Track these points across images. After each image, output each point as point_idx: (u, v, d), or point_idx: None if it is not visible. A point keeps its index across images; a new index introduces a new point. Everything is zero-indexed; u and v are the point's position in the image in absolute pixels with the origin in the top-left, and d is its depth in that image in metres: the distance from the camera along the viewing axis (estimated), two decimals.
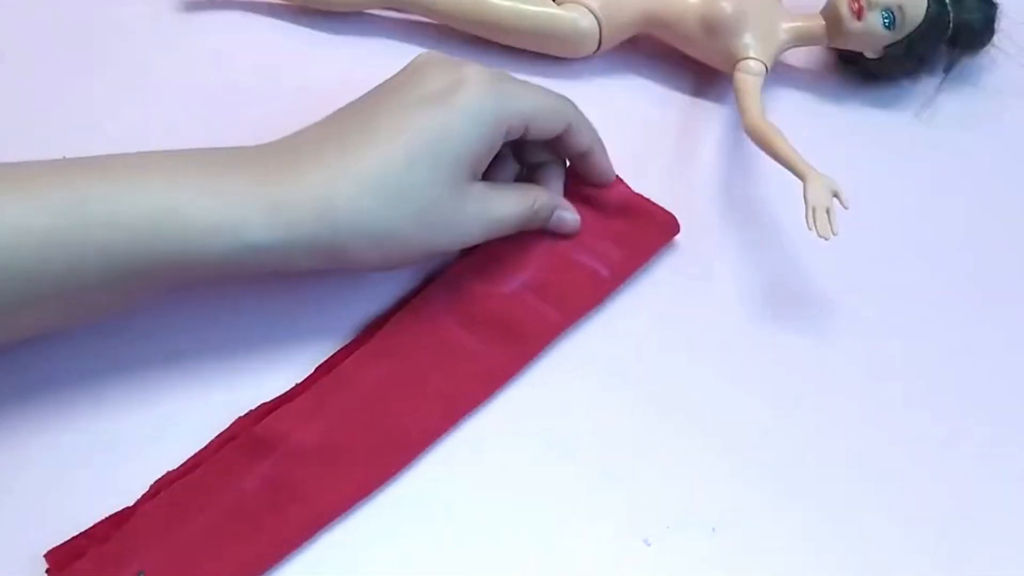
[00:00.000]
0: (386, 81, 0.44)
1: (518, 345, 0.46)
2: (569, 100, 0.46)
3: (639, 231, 0.49)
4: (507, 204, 0.44)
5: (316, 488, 0.42)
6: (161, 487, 0.42)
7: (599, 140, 0.47)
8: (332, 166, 0.41)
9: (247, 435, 0.43)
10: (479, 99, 0.42)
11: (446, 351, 0.45)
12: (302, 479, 0.42)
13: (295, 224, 0.40)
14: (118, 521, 0.41)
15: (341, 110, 0.44)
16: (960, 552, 0.43)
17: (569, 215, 0.47)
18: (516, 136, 0.44)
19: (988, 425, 0.46)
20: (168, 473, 0.42)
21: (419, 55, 0.45)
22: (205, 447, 0.43)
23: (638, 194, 0.49)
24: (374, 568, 0.41)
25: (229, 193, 0.39)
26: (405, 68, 0.44)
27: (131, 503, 0.41)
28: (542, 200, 0.46)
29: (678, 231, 0.49)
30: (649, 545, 0.42)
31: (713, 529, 0.42)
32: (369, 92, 0.44)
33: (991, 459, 0.45)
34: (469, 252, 0.47)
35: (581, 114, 0.46)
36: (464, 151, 0.41)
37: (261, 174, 0.40)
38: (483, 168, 0.44)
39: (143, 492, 0.42)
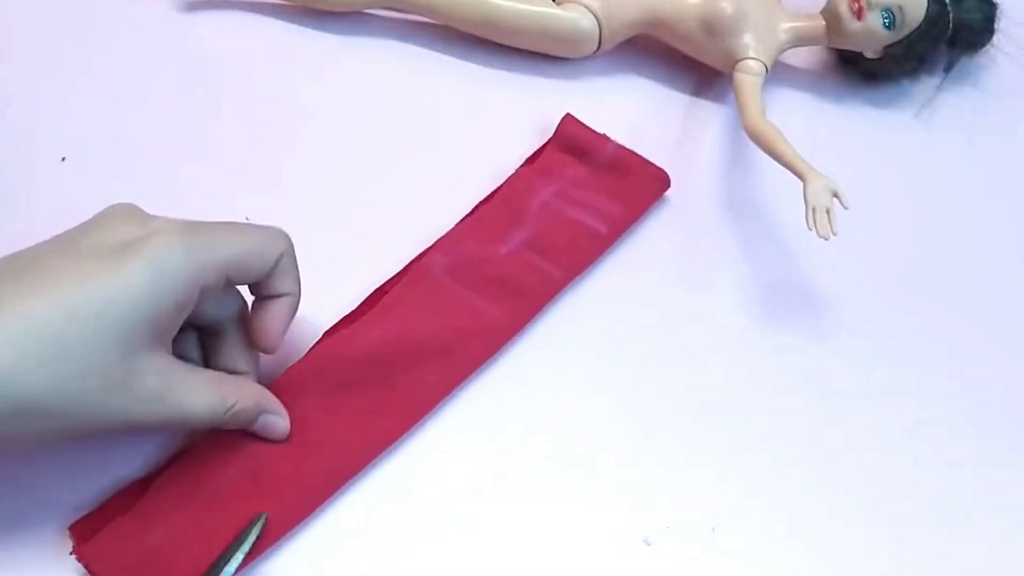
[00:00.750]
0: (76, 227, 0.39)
1: (521, 302, 0.46)
2: (281, 234, 0.41)
3: (633, 186, 0.50)
4: (196, 395, 0.38)
5: (327, 447, 0.42)
6: (179, 453, 0.42)
7: (299, 291, 0.42)
8: None
9: None
10: (166, 253, 0.36)
11: (450, 312, 0.46)
12: (313, 439, 0.42)
13: None
14: (139, 489, 0.41)
15: (22, 251, 0.38)
16: (961, 552, 0.43)
17: (278, 420, 0.42)
18: (217, 290, 0.39)
19: (989, 423, 0.46)
20: (185, 439, 0.43)
21: (113, 205, 0.39)
22: None
23: (629, 150, 0.51)
24: (368, 564, 0.41)
25: None
26: (95, 216, 0.39)
27: (152, 469, 0.42)
28: (244, 404, 0.40)
29: (669, 185, 0.50)
30: (649, 545, 0.42)
31: (713, 529, 0.42)
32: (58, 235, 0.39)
33: (993, 458, 0.45)
34: (467, 215, 0.49)
35: (292, 252, 0.41)
36: (142, 312, 0.35)
37: None
38: (172, 333, 0.38)
39: (163, 457, 0.42)
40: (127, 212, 0.38)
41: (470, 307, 0.46)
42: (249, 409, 0.40)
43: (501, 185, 0.50)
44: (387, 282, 0.47)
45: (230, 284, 0.40)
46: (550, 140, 0.51)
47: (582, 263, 0.48)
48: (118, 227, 0.37)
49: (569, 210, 0.49)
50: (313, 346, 0.45)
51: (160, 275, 0.36)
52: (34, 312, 0.34)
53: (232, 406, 0.39)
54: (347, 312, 0.46)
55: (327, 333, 0.46)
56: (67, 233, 0.38)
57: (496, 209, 0.49)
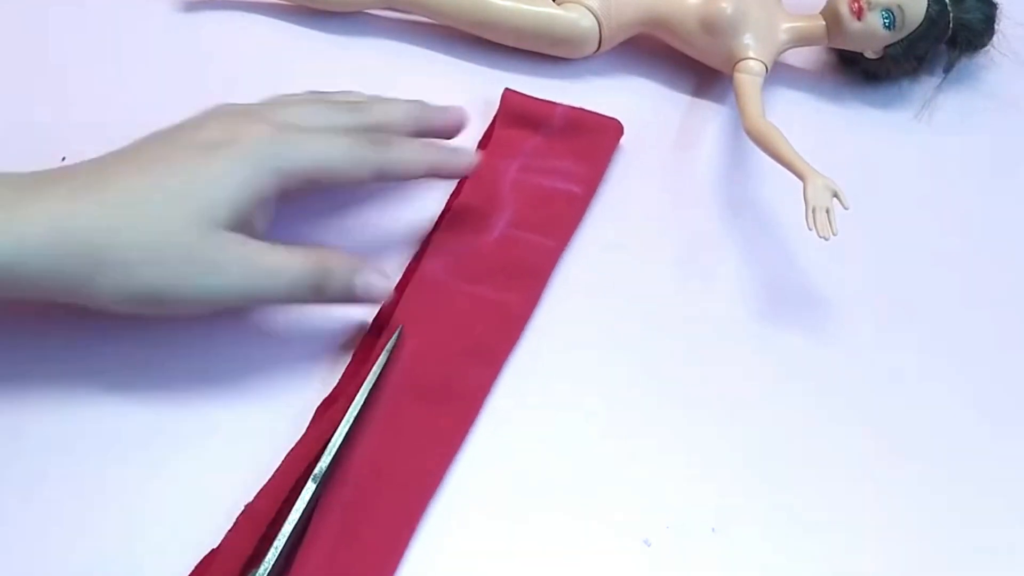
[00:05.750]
0: (189, 119, 0.44)
1: (528, 282, 0.47)
2: (378, 151, 0.44)
3: (591, 142, 0.51)
4: (279, 257, 0.41)
5: (401, 476, 0.42)
6: (242, 520, 0.41)
7: (437, 160, 0.46)
8: (78, 189, 0.40)
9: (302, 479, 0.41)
10: (246, 150, 0.41)
11: (466, 310, 0.46)
12: (387, 470, 0.42)
13: (26, 238, 0.38)
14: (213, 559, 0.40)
15: (134, 143, 0.43)
16: (960, 552, 0.43)
17: (376, 278, 0.44)
18: (307, 189, 0.43)
19: (987, 423, 0.46)
20: (249, 504, 0.41)
21: (217, 106, 0.44)
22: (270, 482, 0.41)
23: (577, 108, 0.52)
24: None
25: None
26: (197, 116, 0.44)
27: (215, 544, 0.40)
28: (331, 264, 0.42)
29: (623, 132, 0.51)
30: (649, 545, 0.42)
31: (713, 529, 0.42)
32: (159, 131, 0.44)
33: (992, 458, 0.45)
34: (444, 214, 0.49)
35: (398, 153, 0.44)
36: (221, 197, 0.40)
37: (1, 193, 0.40)
38: (252, 219, 0.42)
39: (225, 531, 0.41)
40: (226, 112, 0.43)
41: (483, 300, 0.46)
42: (340, 265, 0.42)
43: (464, 177, 0.50)
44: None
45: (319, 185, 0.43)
46: (495, 119, 0.52)
47: (570, 227, 0.49)
48: (212, 127, 0.42)
49: (539, 180, 0.50)
50: (342, 377, 0.44)
51: (236, 170, 0.40)
52: (129, 185, 0.40)
53: (321, 263, 0.42)
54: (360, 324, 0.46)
55: (354, 360, 0.45)
56: (170, 130, 0.43)
57: (468, 200, 0.49)
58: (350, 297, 0.43)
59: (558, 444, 0.44)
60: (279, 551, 0.39)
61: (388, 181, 0.45)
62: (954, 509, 0.44)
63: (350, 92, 0.48)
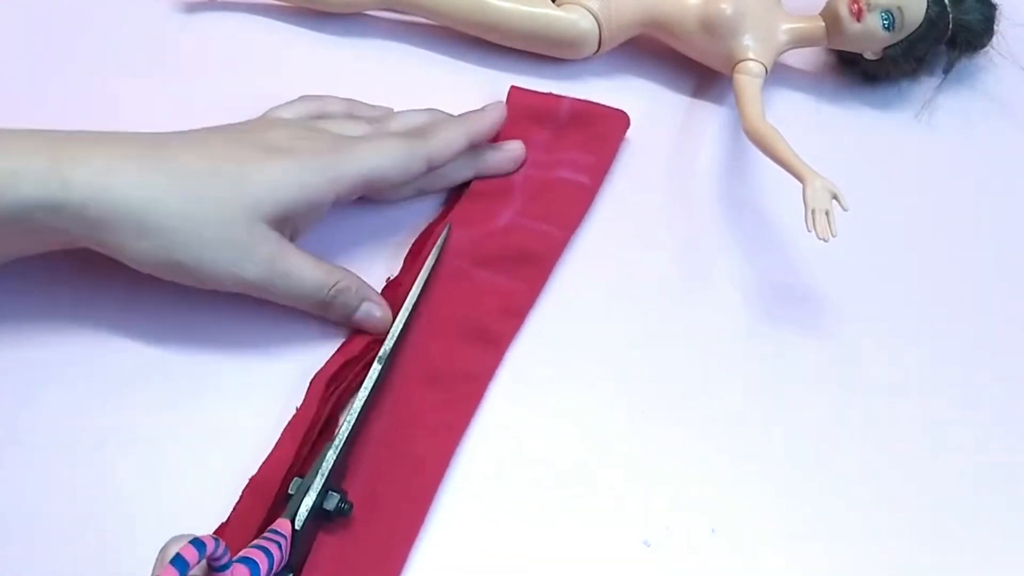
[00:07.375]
0: (249, 120, 0.47)
1: (533, 269, 0.47)
2: (423, 142, 0.46)
3: (598, 133, 0.52)
4: (304, 268, 0.43)
5: (416, 455, 0.42)
6: (248, 492, 0.41)
7: (480, 156, 0.49)
8: (134, 152, 0.42)
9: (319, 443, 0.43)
10: (304, 159, 0.43)
11: (472, 293, 0.46)
12: (403, 451, 0.42)
13: (69, 184, 0.40)
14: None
15: (202, 130, 0.45)
16: (959, 551, 0.43)
17: (377, 311, 0.45)
18: (360, 194, 0.45)
19: (986, 423, 0.46)
20: (252, 477, 0.41)
21: (272, 112, 0.48)
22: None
23: (583, 100, 0.52)
24: None
25: (10, 150, 0.40)
26: (260, 119, 0.47)
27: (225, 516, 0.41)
28: (347, 283, 0.44)
29: (629, 123, 0.52)
30: (649, 546, 0.42)
31: (713, 529, 0.43)
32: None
33: (991, 458, 0.45)
34: (454, 203, 0.49)
35: (441, 146, 0.46)
36: (269, 193, 0.42)
37: (57, 143, 0.41)
38: (298, 227, 0.45)
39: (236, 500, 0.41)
40: (289, 123, 0.46)
41: (489, 284, 0.47)
42: (351, 289, 0.44)
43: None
44: (398, 275, 0.47)
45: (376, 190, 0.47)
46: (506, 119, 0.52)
47: (576, 217, 0.49)
48: (279, 134, 0.44)
49: (549, 172, 0.50)
50: (337, 352, 0.45)
51: (289, 180, 0.42)
52: (186, 163, 0.42)
53: (336, 283, 0.44)
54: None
55: (353, 337, 0.45)
56: (238, 127, 0.45)
57: (479, 190, 0.49)
58: (348, 322, 0.45)
59: (556, 446, 0.44)
60: (351, 424, 0.41)
61: (436, 170, 0.47)
62: (954, 507, 0.44)
63: (384, 110, 0.50)
